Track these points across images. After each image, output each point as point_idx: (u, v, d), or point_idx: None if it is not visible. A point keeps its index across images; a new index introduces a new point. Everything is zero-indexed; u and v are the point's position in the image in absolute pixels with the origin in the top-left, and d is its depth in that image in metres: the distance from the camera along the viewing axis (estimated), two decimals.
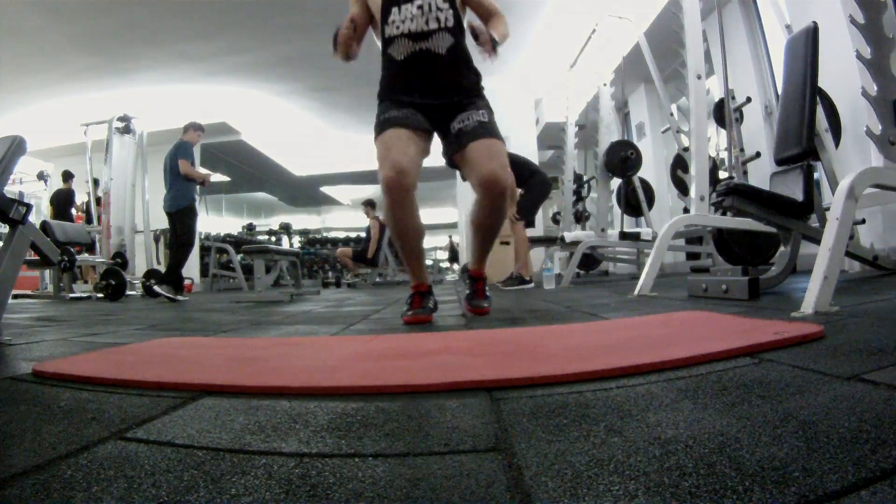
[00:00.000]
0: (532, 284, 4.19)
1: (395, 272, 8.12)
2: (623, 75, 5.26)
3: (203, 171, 4.73)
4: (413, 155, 1.77)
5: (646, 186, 5.40)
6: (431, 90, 1.85)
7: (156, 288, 4.08)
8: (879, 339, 0.91)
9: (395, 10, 1.80)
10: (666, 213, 6.20)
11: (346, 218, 18.28)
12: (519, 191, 4.36)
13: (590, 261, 6.14)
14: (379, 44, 1.90)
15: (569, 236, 4.77)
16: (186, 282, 5.50)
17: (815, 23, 2.06)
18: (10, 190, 7.35)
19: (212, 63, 6.82)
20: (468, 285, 2.10)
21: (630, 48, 5.18)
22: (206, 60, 6.74)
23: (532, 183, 4.33)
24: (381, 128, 1.82)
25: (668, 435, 0.53)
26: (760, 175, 4.00)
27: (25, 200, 2.25)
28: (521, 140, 7.20)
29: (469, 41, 1.85)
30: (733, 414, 0.58)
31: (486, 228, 1.95)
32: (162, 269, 6.20)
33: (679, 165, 4.50)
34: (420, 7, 1.78)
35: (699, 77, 3.39)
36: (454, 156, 1.89)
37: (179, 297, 4.24)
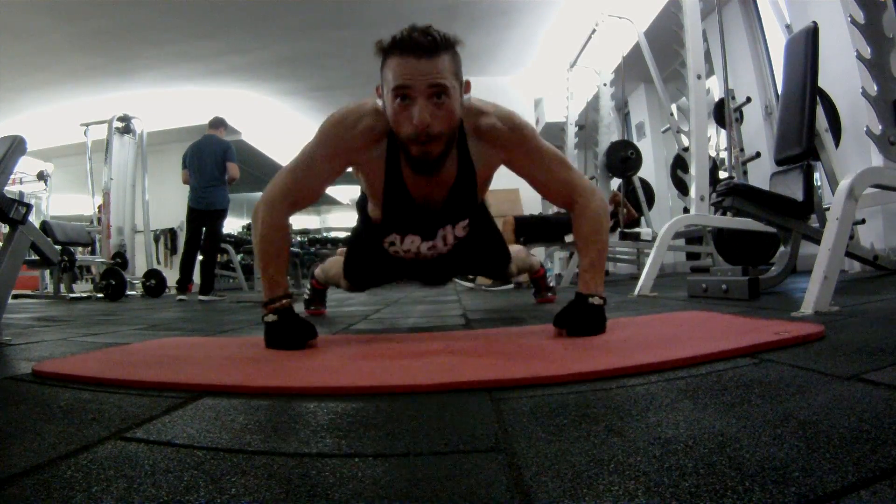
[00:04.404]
0: (512, 285, 4.27)
1: None
2: (623, 75, 5.26)
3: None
4: None
5: (646, 186, 5.40)
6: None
7: (201, 298, 4.24)
8: (879, 339, 0.91)
9: (395, 236, 1.51)
10: (666, 213, 6.20)
11: (346, 218, 18.27)
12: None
13: None
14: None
15: (568, 237, 4.77)
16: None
17: (815, 23, 2.06)
18: (10, 190, 7.34)
19: (212, 63, 6.81)
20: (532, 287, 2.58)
21: (630, 48, 5.17)
22: (206, 60, 6.73)
23: None
24: None
25: (668, 435, 0.53)
26: (760, 175, 4.00)
27: (25, 200, 2.25)
28: None
29: None
30: (733, 414, 0.58)
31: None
32: (161, 269, 6.22)
33: (679, 165, 4.50)
34: (432, 247, 1.51)
35: (699, 77, 3.39)
36: None
37: (214, 297, 4.34)
